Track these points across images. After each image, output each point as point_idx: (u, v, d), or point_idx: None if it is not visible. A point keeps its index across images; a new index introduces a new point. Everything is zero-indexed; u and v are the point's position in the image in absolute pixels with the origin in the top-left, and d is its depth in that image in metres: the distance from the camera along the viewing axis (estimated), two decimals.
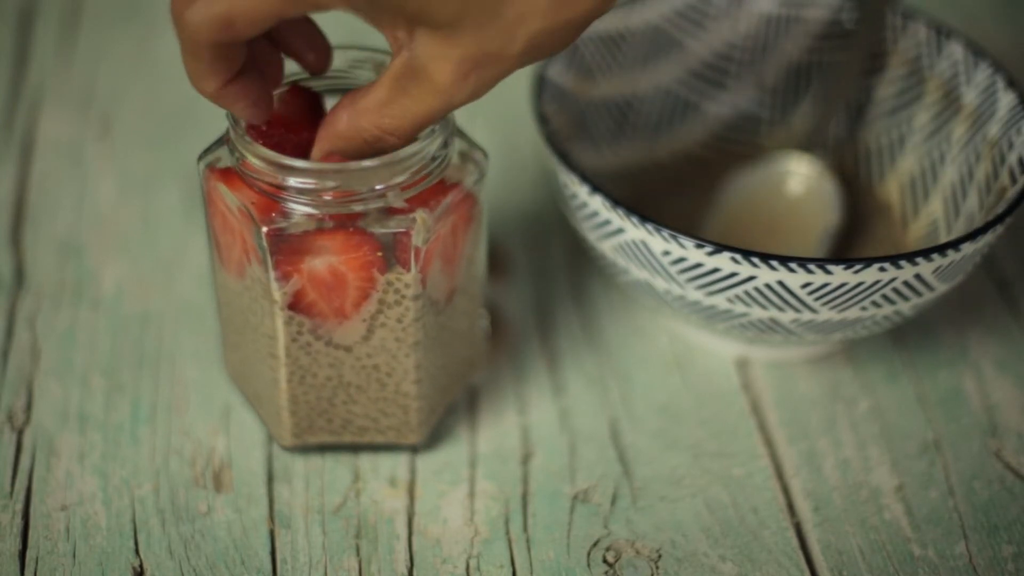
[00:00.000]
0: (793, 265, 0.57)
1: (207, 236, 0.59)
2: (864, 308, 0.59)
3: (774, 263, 0.57)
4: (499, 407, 0.64)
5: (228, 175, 0.55)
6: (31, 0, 0.85)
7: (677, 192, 0.71)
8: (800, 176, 0.69)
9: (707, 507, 0.60)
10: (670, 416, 0.64)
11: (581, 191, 0.60)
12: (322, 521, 0.59)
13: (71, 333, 0.66)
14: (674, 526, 0.59)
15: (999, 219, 0.58)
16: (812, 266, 0.56)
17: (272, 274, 0.54)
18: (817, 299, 0.58)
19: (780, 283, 0.57)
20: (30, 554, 0.57)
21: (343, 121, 0.52)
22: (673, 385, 0.65)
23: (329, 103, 0.57)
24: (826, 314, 0.59)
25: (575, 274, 0.70)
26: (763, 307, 0.59)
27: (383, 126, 0.52)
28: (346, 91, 0.55)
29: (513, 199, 0.74)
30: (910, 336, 0.67)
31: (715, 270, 0.58)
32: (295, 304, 0.55)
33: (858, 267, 0.56)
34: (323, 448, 0.61)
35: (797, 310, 0.59)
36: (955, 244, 0.57)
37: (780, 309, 0.59)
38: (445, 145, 0.55)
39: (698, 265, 0.58)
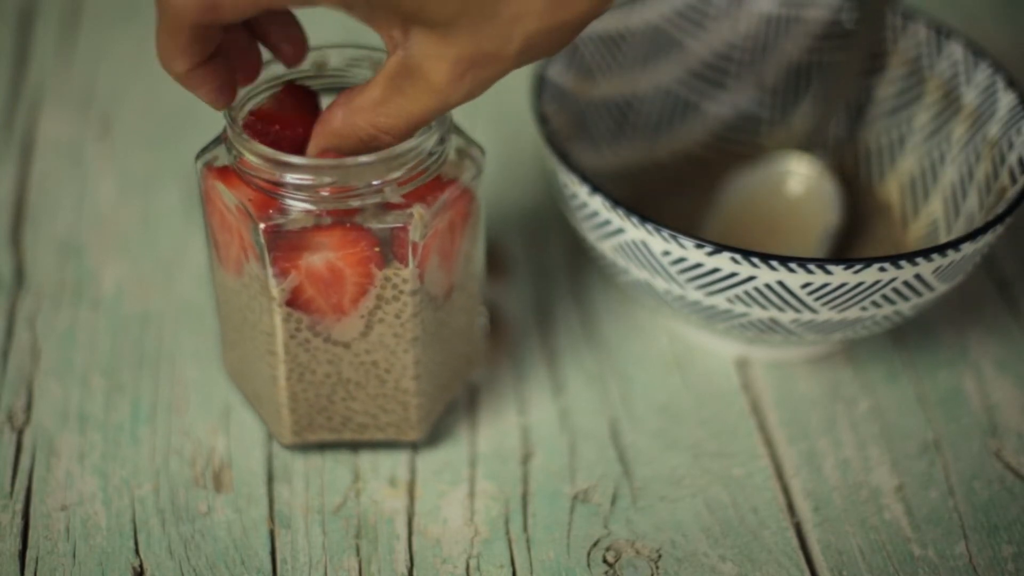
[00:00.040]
0: (793, 265, 0.57)
1: (205, 235, 0.59)
2: (864, 308, 0.59)
3: (774, 263, 0.57)
4: (499, 407, 0.64)
5: (225, 173, 0.55)
6: (31, 0, 0.85)
7: (677, 192, 0.71)
8: (800, 176, 0.69)
9: (707, 507, 0.60)
10: (670, 416, 0.64)
11: (581, 191, 0.60)
12: (322, 521, 0.59)
13: (71, 333, 0.66)
14: (674, 526, 0.59)
15: (999, 219, 0.58)
16: (812, 266, 0.56)
17: (270, 271, 0.54)
18: (817, 299, 0.58)
19: (780, 283, 0.57)
20: (30, 554, 0.57)
21: (338, 119, 0.52)
22: (673, 385, 0.65)
23: (325, 102, 0.57)
24: (826, 314, 0.59)
25: (575, 274, 0.70)
26: (763, 307, 0.59)
27: (378, 125, 0.52)
28: (343, 90, 0.55)
29: (513, 199, 0.74)
30: (910, 336, 0.67)
31: (715, 270, 0.58)
32: (293, 300, 0.55)
33: (858, 267, 0.56)
34: (323, 447, 0.61)
35: (797, 310, 0.59)
36: (955, 244, 0.57)
37: (780, 309, 0.59)
38: (442, 141, 0.55)
39: (698, 265, 0.58)
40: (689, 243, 0.57)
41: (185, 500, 0.59)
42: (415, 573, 0.57)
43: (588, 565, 0.58)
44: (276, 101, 0.55)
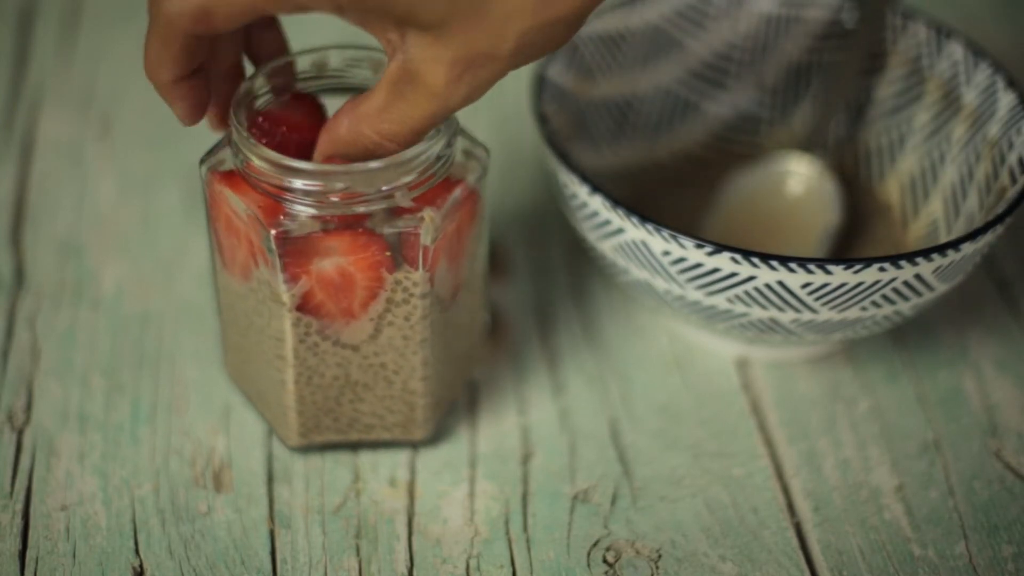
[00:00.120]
0: (793, 265, 0.57)
1: (208, 238, 0.59)
2: (864, 308, 0.59)
3: (774, 263, 0.57)
4: (499, 407, 0.64)
5: (232, 178, 0.55)
6: (31, 0, 0.85)
7: (677, 192, 0.71)
8: (800, 176, 0.69)
9: (707, 507, 0.60)
10: (670, 416, 0.64)
11: (581, 191, 0.60)
12: (322, 521, 0.59)
13: (71, 333, 0.66)
14: (674, 526, 0.59)
15: (999, 219, 0.58)
16: (812, 266, 0.56)
17: (281, 276, 0.54)
18: (817, 299, 0.58)
19: (780, 283, 0.57)
20: (30, 554, 0.57)
21: (344, 127, 0.52)
22: (673, 385, 0.65)
23: (327, 102, 0.57)
24: (826, 314, 0.59)
25: (575, 274, 0.70)
26: (763, 307, 0.59)
27: (382, 132, 0.52)
28: (344, 90, 0.55)
29: (513, 199, 0.74)
30: (910, 336, 0.67)
31: (715, 270, 0.58)
32: (303, 305, 0.55)
33: (858, 267, 0.56)
34: (325, 447, 0.61)
35: (797, 310, 0.59)
36: (955, 244, 0.57)
37: (780, 309, 0.59)
38: (449, 144, 0.55)
39: (698, 265, 0.58)
40: (689, 243, 0.57)
41: (185, 500, 0.59)
42: (415, 573, 0.57)
43: (588, 565, 0.58)
44: (282, 106, 0.56)
